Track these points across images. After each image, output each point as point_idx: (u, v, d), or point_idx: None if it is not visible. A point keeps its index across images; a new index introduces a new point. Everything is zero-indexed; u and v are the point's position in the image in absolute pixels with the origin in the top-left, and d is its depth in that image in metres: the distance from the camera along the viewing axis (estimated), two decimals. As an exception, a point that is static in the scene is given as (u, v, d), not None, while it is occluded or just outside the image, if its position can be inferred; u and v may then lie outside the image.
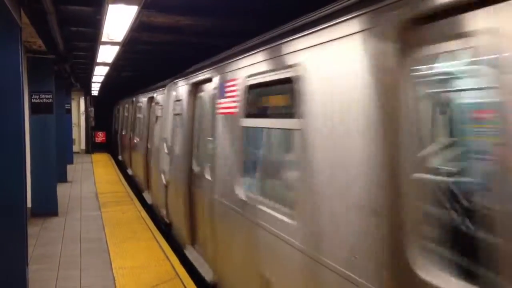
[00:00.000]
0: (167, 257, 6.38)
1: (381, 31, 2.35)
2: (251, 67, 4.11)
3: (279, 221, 3.42)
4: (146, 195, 10.55)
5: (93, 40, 7.68)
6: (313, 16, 3.10)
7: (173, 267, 5.95)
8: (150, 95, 10.79)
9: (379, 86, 2.36)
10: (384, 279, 2.32)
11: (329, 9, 2.90)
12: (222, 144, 4.80)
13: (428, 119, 2.44)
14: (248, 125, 4.20)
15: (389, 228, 2.29)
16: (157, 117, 9.37)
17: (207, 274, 5.28)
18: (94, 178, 14.11)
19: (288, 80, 3.33)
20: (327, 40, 2.86)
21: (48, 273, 5.79)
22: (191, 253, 6.16)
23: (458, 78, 2.36)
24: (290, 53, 3.36)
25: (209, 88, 5.55)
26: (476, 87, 2.28)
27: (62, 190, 10.91)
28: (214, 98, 5.21)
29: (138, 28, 6.46)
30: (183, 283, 5.42)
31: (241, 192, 4.26)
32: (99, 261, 6.25)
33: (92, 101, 24.57)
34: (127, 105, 16.11)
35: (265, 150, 4.36)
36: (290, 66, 3.30)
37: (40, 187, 8.86)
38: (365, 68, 2.47)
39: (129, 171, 14.35)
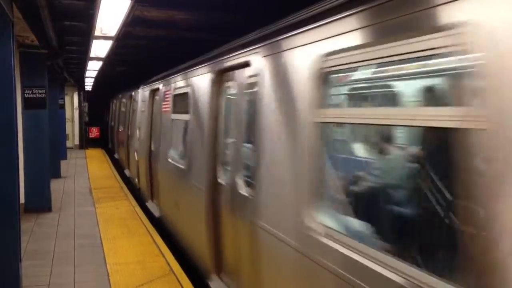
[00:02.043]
0: (161, 252, 6.36)
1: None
2: None
3: None
4: (152, 206, 8.91)
5: (86, 34, 7.62)
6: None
7: (168, 263, 5.94)
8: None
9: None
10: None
11: None
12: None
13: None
14: None
15: None
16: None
17: None
18: (88, 174, 14.05)
19: None
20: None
21: (42, 269, 5.77)
22: None
23: None
24: None
25: None
26: None
27: (55, 185, 10.86)
28: None
29: (131, 23, 6.42)
30: (177, 279, 5.41)
31: None
32: (93, 257, 6.23)
33: (86, 96, 24.44)
34: (124, 100, 14.99)
35: None
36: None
37: (33, 182, 8.79)
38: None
39: (127, 172, 13.27)
